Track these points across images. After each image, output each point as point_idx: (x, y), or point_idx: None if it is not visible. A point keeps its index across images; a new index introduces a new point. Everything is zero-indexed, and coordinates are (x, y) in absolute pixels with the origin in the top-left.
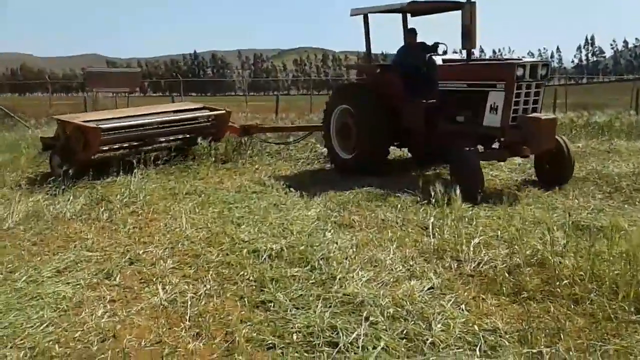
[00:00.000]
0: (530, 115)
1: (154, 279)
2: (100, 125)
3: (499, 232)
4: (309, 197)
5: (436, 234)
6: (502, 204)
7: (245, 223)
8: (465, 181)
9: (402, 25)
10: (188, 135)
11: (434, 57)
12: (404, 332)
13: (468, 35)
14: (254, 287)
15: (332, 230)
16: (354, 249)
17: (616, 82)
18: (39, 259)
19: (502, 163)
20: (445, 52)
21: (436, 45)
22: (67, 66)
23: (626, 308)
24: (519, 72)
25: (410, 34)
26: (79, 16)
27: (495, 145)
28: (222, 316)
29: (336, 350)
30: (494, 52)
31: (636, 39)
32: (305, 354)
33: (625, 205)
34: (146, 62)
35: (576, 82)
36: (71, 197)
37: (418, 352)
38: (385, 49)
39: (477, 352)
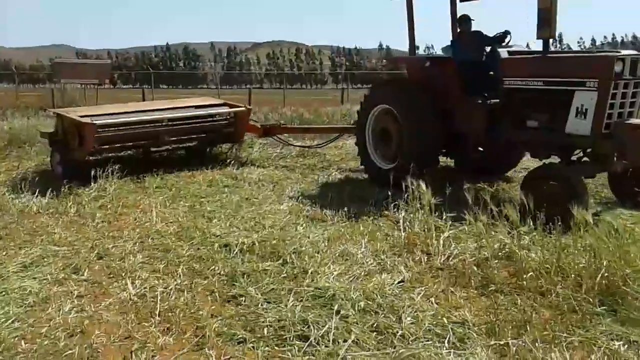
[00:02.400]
0: (631, 121)
1: (123, 274)
2: (95, 121)
3: (467, 227)
4: (282, 191)
5: (407, 228)
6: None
7: (217, 217)
8: (561, 206)
9: (449, 12)
10: (203, 135)
11: (497, 49)
12: (375, 325)
13: (546, 21)
14: (225, 281)
15: (304, 225)
16: (326, 243)
17: None
18: (4, 253)
19: None
20: (509, 44)
21: (503, 34)
22: (36, 57)
23: (590, 300)
24: (618, 67)
25: (463, 22)
26: (49, 6)
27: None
28: (192, 311)
29: (307, 343)
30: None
31: (604, 36)
32: (276, 348)
33: (591, 201)
34: (116, 54)
35: None
36: (37, 191)
37: (388, 345)
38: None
39: (446, 344)
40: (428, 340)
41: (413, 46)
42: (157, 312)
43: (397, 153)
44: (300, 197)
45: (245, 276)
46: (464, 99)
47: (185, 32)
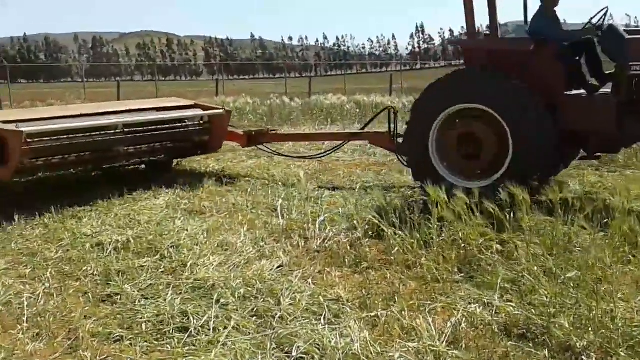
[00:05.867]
0: None
1: None
2: (21, 128)
3: (341, 209)
4: (158, 185)
5: (285, 214)
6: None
7: (87, 216)
8: None
9: None
10: (170, 145)
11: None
12: (254, 309)
13: None
14: (99, 281)
15: (182, 218)
16: (205, 235)
17: (446, 67)
18: None
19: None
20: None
21: (600, 12)
22: None
23: (450, 269)
24: None
25: None
26: None
27: None
28: (64, 314)
29: (187, 334)
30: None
31: (461, 27)
32: (155, 342)
33: None
34: None
35: (411, 67)
36: None
37: (267, 327)
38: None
39: (322, 321)
40: (305, 319)
41: (495, 25)
42: (24, 319)
43: (493, 166)
44: (177, 191)
45: (120, 274)
46: (576, 92)
47: (45, 22)
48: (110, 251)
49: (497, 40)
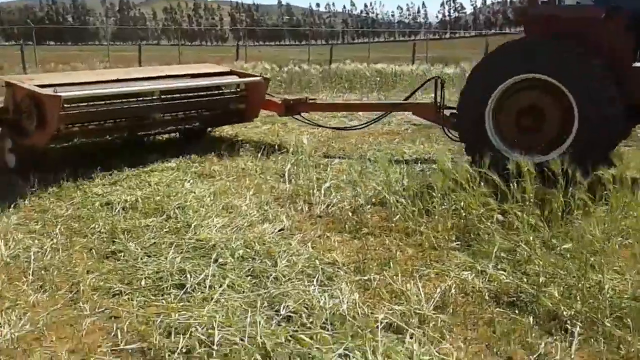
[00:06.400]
0: None
1: None
2: (59, 93)
3: (345, 176)
4: (168, 147)
5: (292, 180)
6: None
7: (99, 176)
8: None
9: None
10: (206, 113)
11: None
12: (251, 270)
13: None
14: (105, 238)
15: (191, 181)
16: (212, 198)
17: (476, 37)
18: None
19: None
20: None
21: None
22: None
23: (447, 237)
24: None
25: None
26: None
27: None
28: (68, 268)
29: (183, 291)
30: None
31: None
32: (152, 297)
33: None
34: None
35: (440, 36)
36: None
37: (261, 287)
38: None
39: (315, 283)
40: (299, 281)
41: None
42: (30, 272)
43: (556, 140)
44: (188, 154)
45: (125, 233)
46: None
47: None
48: (118, 210)
49: (564, 7)
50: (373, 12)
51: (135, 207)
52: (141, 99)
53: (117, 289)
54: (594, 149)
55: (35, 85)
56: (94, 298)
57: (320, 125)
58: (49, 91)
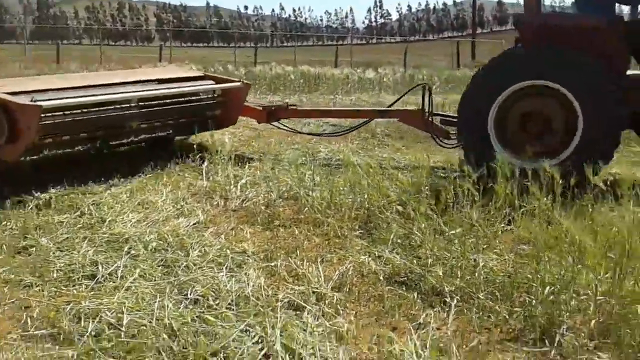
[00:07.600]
0: None
1: None
2: (39, 102)
3: (259, 173)
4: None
5: (210, 177)
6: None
7: (13, 176)
8: None
9: None
10: (182, 120)
11: None
12: (163, 260)
13: None
14: (17, 235)
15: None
16: (128, 194)
17: (401, 43)
18: None
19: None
20: None
21: None
22: None
23: (351, 226)
24: None
25: None
26: None
27: None
28: None
29: (94, 281)
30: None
31: (419, 3)
32: (63, 288)
33: (376, 148)
34: None
35: (367, 42)
36: None
37: (172, 275)
38: None
39: (224, 270)
40: (209, 269)
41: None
42: None
43: (562, 145)
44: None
45: (38, 229)
46: None
47: None
48: (31, 208)
49: (565, 16)
50: (301, 17)
51: (49, 204)
52: (119, 106)
53: (29, 281)
54: (595, 155)
55: (5, 93)
56: (4, 290)
57: (296, 132)
58: (24, 100)
